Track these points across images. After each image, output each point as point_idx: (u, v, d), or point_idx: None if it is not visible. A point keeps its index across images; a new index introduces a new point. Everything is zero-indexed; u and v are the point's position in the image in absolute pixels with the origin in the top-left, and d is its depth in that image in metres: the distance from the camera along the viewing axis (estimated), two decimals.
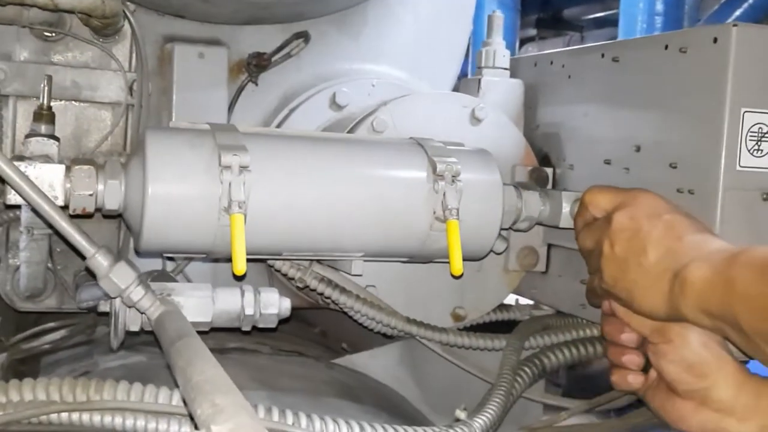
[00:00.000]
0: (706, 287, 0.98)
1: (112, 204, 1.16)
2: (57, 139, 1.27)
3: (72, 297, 1.42)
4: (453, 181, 1.25)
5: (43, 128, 1.27)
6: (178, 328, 0.97)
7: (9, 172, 0.99)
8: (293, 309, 1.28)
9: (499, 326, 1.59)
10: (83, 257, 1.05)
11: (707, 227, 1.14)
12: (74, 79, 1.44)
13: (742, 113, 1.20)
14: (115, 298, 1.07)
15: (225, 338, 1.43)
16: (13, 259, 1.42)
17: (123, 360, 1.37)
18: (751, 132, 1.21)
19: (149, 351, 1.38)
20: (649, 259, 1.07)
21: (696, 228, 1.10)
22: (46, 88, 1.30)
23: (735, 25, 1.19)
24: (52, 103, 1.30)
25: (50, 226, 1.07)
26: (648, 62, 1.34)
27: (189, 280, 1.43)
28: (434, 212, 1.26)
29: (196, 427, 0.63)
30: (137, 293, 1.05)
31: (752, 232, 1.21)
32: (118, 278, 1.04)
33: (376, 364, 1.50)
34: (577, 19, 8.29)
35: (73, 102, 1.46)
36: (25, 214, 1.32)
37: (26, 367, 1.45)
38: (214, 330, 1.24)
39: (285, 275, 1.42)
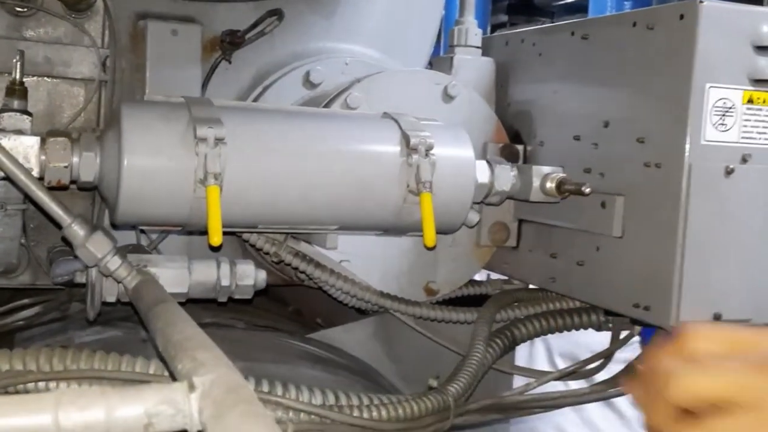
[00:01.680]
0: None
1: (87, 176, 1.16)
2: (30, 114, 1.27)
3: (46, 273, 1.42)
4: (426, 154, 1.27)
5: (16, 103, 1.27)
6: (155, 295, 0.98)
7: None
8: (267, 286, 1.29)
9: (471, 301, 1.61)
10: (59, 227, 1.06)
11: None
12: (47, 54, 1.44)
13: (707, 88, 1.23)
14: (92, 267, 1.08)
15: (200, 313, 1.44)
16: None
17: (98, 335, 1.37)
18: (716, 107, 1.24)
19: (124, 326, 1.39)
20: None
21: None
22: (19, 64, 1.29)
23: (701, 2, 1.22)
24: (24, 79, 1.29)
25: (27, 196, 1.08)
26: (616, 39, 1.36)
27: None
28: (408, 185, 1.27)
29: (175, 380, 0.64)
30: (114, 262, 1.06)
31: (716, 205, 1.25)
32: (95, 247, 1.04)
33: (350, 338, 1.52)
34: (548, 6, 8.35)
35: (45, 78, 1.45)
36: None
37: (0, 344, 1.45)
38: (190, 303, 1.25)
39: (260, 251, 1.43)
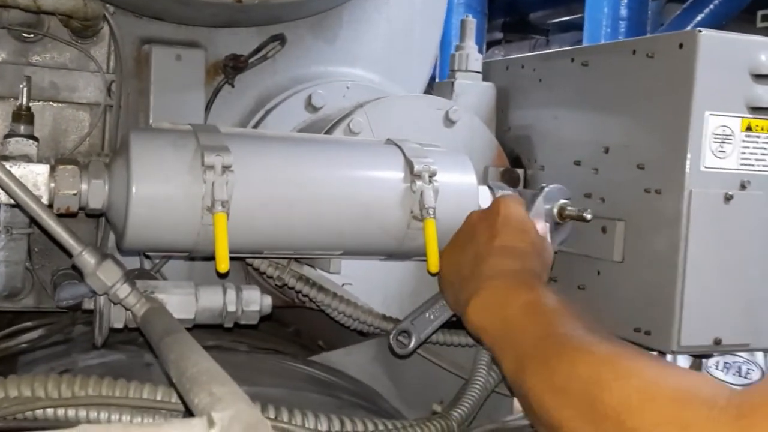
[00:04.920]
0: None
1: (95, 203, 1.17)
2: (36, 139, 1.28)
3: (50, 296, 1.42)
4: (430, 180, 1.28)
5: (22, 129, 1.28)
6: (165, 324, 0.99)
7: None
8: None
9: None
10: (69, 255, 1.06)
11: None
12: (52, 79, 1.45)
13: (706, 116, 1.25)
14: (101, 295, 1.09)
15: (202, 337, 1.44)
16: None
17: (102, 358, 1.37)
18: (715, 134, 1.26)
19: (128, 349, 1.40)
20: None
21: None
22: (26, 89, 1.30)
23: (700, 32, 1.24)
24: (30, 104, 1.31)
25: (37, 224, 1.09)
26: (616, 67, 1.38)
27: (164, 278, 1.44)
28: (411, 211, 1.29)
29: (188, 411, 0.65)
30: (123, 290, 1.07)
31: (716, 231, 1.27)
32: (105, 275, 1.05)
33: (351, 361, 1.53)
34: (543, 23, 8.40)
35: (51, 103, 1.46)
36: (3, 214, 1.32)
37: (3, 367, 1.45)
38: (192, 328, 1.25)
39: (263, 274, 1.44)
